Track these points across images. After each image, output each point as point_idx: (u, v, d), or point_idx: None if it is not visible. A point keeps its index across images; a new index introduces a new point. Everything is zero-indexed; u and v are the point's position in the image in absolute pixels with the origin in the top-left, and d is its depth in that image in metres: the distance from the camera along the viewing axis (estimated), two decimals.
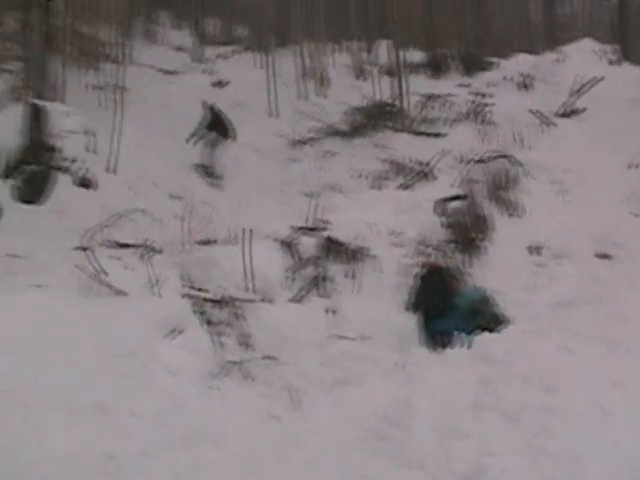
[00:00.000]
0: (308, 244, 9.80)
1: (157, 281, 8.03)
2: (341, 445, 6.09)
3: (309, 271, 9.45)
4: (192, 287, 8.42)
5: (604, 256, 10.24)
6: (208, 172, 14.05)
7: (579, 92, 14.92)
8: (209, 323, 7.91)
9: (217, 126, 14.44)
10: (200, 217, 10.31)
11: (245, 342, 7.92)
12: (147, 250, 9.15)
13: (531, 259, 10.18)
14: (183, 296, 8.13)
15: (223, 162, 14.27)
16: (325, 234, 9.94)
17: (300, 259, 9.62)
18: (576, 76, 15.11)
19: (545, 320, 8.47)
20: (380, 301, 9.17)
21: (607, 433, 5.83)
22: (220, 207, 10.49)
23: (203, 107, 14.84)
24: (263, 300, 8.72)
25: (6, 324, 7.07)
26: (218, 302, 8.18)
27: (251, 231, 8.86)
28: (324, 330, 8.45)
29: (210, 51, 23.75)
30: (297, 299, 9.04)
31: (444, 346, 8.22)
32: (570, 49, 17.95)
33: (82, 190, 12.14)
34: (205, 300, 8.16)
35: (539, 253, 10.26)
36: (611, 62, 17.82)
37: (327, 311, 8.96)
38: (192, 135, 14.40)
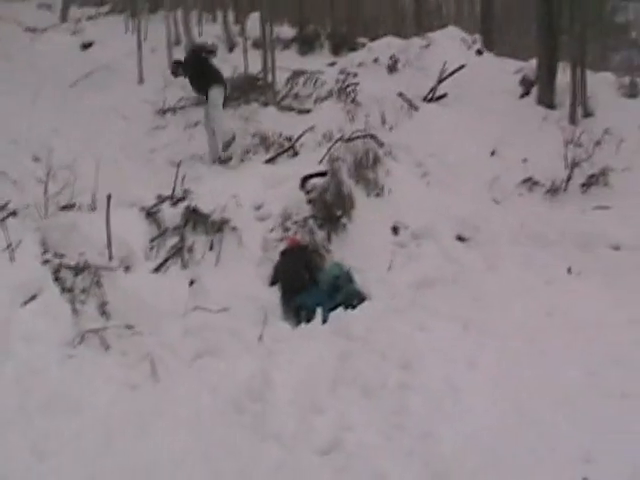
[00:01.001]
0: (172, 214, 9.69)
1: (13, 246, 7.77)
2: (200, 416, 6.13)
3: (172, 241, 9.36)
4: (51, 253, 8.20)
5: (463, 239, 10.59)
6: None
7: (444, 78, 15.29)
8: (68, 290, 7.76)
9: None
10: (62, 181, 10.01)
11: (104, 311, 7.82)
12: (3, 213, 8.83)
13: (392, 239, 10.38)
14: (42, 262, 7.92)
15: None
16: (189, 204, 9.85)
17: (163, 229, 9.52)
18: (441, 62, 15.47)
19: (404, 299, 8.73)
20: (243, 275, 9.22)
21: (459, 410, 6.08)
22: (84, 172, 10.20)
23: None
24: (124, 269, 8.60)
25: None
26: (77, 269, 8.01)
27: (110, 197, 8.68)
28: (185, 301, 8.43)
29: (79, 12, 23.08)
30: (159, 269, 8.96)
31: (305, 321, 8.36)
32: (437, 36, 18.31)
33: None
34: (64, 266, 7.98)
35: (400, 233, 10.49)
36: (475, 51, 18.31)
37: (189, 282, 8.94)
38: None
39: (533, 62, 16.07)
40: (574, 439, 5.50)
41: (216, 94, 12.67)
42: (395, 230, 10.52)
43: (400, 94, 14.42)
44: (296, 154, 12.39)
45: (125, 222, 8.97)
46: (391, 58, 17.18)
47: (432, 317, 8.10)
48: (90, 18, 23.20)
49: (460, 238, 10.58)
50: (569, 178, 12.02)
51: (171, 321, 7.83)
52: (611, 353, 7.12)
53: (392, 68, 16.95)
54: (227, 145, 12.71)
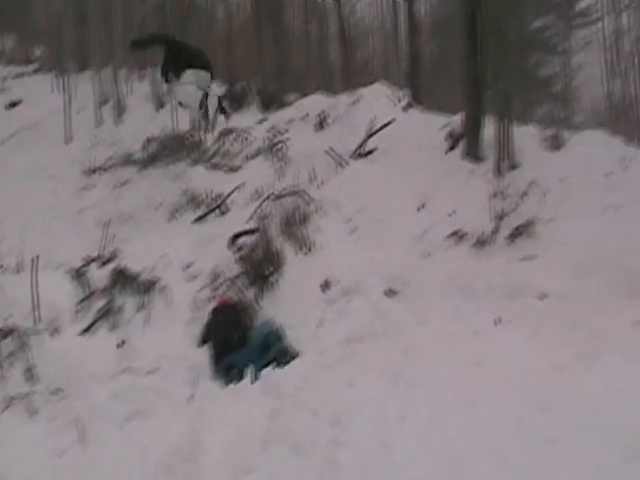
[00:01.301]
0: (100, 275, 9.63)
1: None
2: (130, 479, 6.04)
3: (100, 302, 9.28)
4: None
5: (393, 293, 10.67)
6: None
7: (372, 134, 15.51)
8: None
9: None
10: None
11: (31, 375, 7.69)
12: None
13: (322, 295, 10.41)
14: None
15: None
16: (118, 265, 9.79)
17: (91, 290, 9.43)
18: (370, 118, 15.69)
19: (334, 354, 8.73)
20: (172, 334, 9.17)
21: (390, 464, 6.09)
22: (10, 233, 10.08)
23: None
24: (51, 331, 8.49)
25: None
26: (3, 333, 7.89)
27: (36, 259, 8.59)
28: (114, 363, 8.34)
29: (4, 70, 22.95)
30: (87, 331, 8.86)
31: (235, 380, 8.30)
32: (365, 92, 18.57)
33: None
34: None
35: (330, 289, 10.53)
36: (402, 106, 18.62)
37: (118, 343, 8.85)
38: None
39: (459, 117, 16.41)
40: None
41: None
42: (325, 286, 10.55)
43: (329, 150, 14.57)
44: (226, 212, 12.38)
45: (52, 284, 8.89)
46: (320, 115, 17.37)
47: (362, 372, 8.10)
48: (17, 77, 23.05)
49: (390, 292, 10.66)
50: (495, 230, 12.22)
51: (100, 384, 7.73)
52: (538, 401, 7.20)
53: (321, 124, 17.13)
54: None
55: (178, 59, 10.52)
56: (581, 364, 8.19)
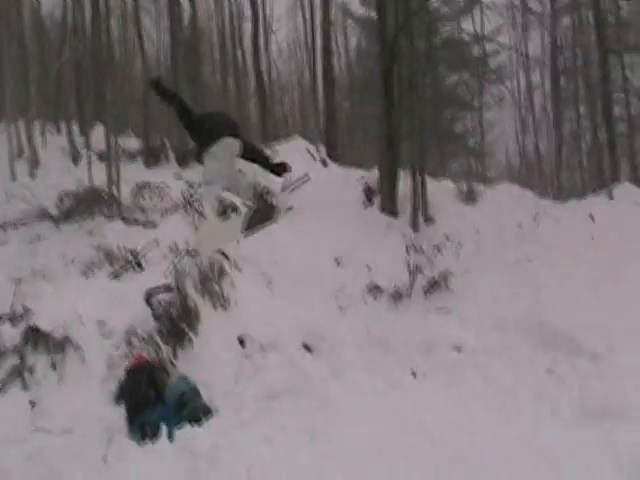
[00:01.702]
0: (11, 333, 9.42)
1: None
2: None
3: (11, 362, 9.06)
4: None
5: (309, 348, 10.69)
6: None
7: (290, 188, 15.60)
8: None
9: None
10: None
11: None
12: None
13: (238, 351, 10.37)
14: None
15: None
16: (30, 322, 9.59)
17: (2, 349, 9.22)
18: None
19: (250, 411, 8.69)
20: (87, 393, 8.99)
21: None
22: None
23: None
24: None
25: None
26: None
27: None
28: (26, 424, 8.14)
29: None
30: None
31: (150, 438, 8.17)
32: (283, 147, 18.76)
33: None
34: None
35: (246, 345, 10.49)
36: (320, 161, 18.87)
37: (29, 404, 8.65)
38: None
39: (375, 171, 16.68)
40: None
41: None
42: (242, 342, 10.51)
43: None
44: (142, 268, 12.24)
45: None
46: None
47: (279, 429, 8.10)
48: None
49: (306, 347, 10.68)
50: (412, 283, 12.40)
51: (10, 446, 7.54)
52: (453, 453, 7.31)
53: None
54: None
55: (199, 133, 8.65)
56: (494, 415, 8.35)
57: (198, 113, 8.73)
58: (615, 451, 7.35)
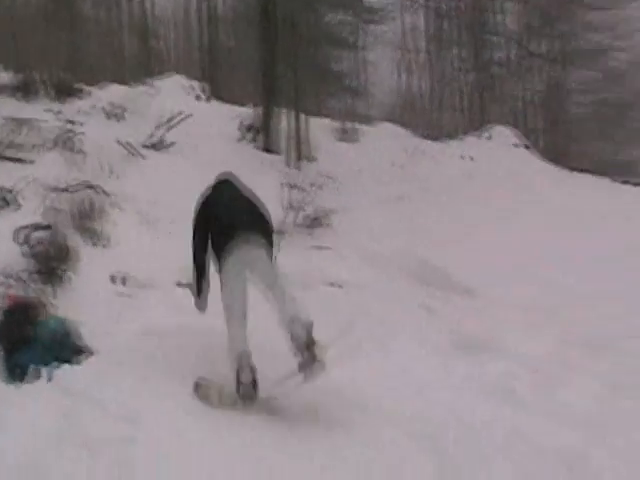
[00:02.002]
0: None
1: None
2: None
3: None
4: None
5: (184, 285, 10.63)
6: None
7: (169, 125, 15.42)
8: None
9: None
10: None
11: None
12: None
13: (116, 289, 10.27)
14: None
15: None
16: None
17: None
18: (167, 110, 15.59)
19: (128, 350, 8.62)
20: None
21: (184, 462, 6.10)
22: None
23: None
24: None
25: None
26: None
27: None
28: None
29: None
30: None
31: (20, 380, 8.04)
32: (162, 83, 18.45)
33: None
34: None
35: (124, 283, 10.39)
36: (200, 98, 18.64)
37: None
38: None
39: (252, 108, 16.61)
40: None
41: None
42: (119, 280, 10.40)
43: (125, 143, 14.35)
44: (15, 206, 11.88)
45: None
46: (117, 106, 17.06)
47: (157, 369, 8.05)
48: None
49: (181, 284, 10.60)
50: (289, 220, 12.46)
51: None
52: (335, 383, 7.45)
53: (118, 116, 16.83)
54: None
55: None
56: (371, 346, 8.55)
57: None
58: (483, 381, 7.64)
